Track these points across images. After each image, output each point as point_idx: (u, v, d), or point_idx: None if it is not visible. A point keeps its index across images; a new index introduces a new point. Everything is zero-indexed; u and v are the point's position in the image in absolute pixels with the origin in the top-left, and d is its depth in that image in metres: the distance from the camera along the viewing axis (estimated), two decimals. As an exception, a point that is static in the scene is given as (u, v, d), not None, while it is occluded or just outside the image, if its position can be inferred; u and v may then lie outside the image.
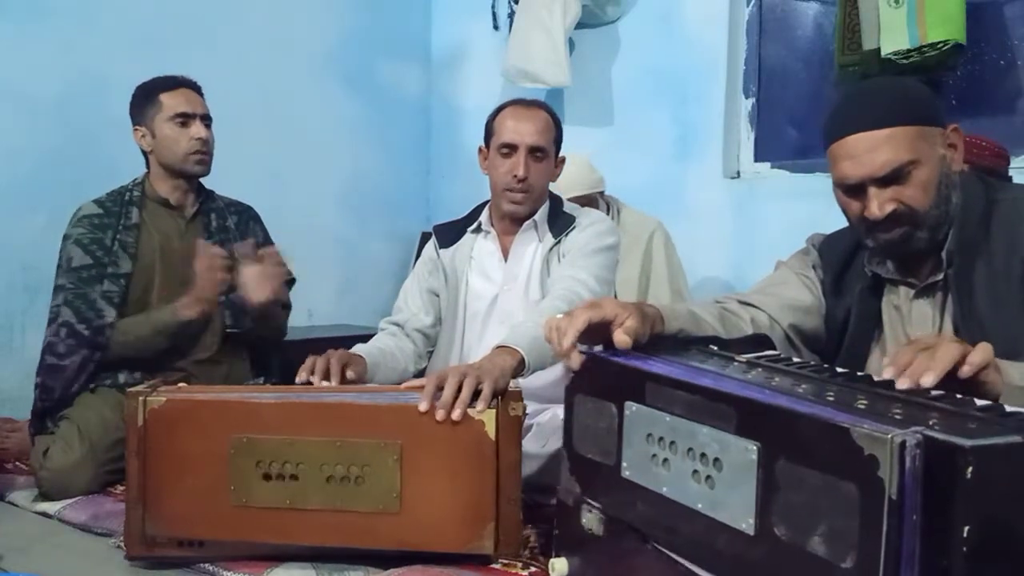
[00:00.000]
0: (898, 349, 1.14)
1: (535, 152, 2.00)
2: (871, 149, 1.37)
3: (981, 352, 1.09)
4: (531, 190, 2.01)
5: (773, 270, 1.67)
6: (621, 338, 1.27)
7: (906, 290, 1.49)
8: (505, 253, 2.09)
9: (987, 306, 1.35)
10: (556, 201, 2.12)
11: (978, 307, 1.36)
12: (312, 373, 1.69)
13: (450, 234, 2.14)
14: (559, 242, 2.03)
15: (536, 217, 2.06)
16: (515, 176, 1.99)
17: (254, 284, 2.11)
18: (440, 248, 2.13)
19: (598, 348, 1.31)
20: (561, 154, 2.11)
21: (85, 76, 2.81)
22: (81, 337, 2.09)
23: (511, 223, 2.08)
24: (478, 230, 2.12)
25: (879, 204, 1.38)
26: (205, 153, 2.24)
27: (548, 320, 1.33)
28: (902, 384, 1.06)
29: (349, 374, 1.74)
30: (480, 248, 2.10)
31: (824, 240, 1.63)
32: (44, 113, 2.75)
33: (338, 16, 3.66)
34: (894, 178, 1.37)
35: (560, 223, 2.05)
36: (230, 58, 3.16)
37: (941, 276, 1.43)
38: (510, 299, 2.05)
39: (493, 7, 3.80)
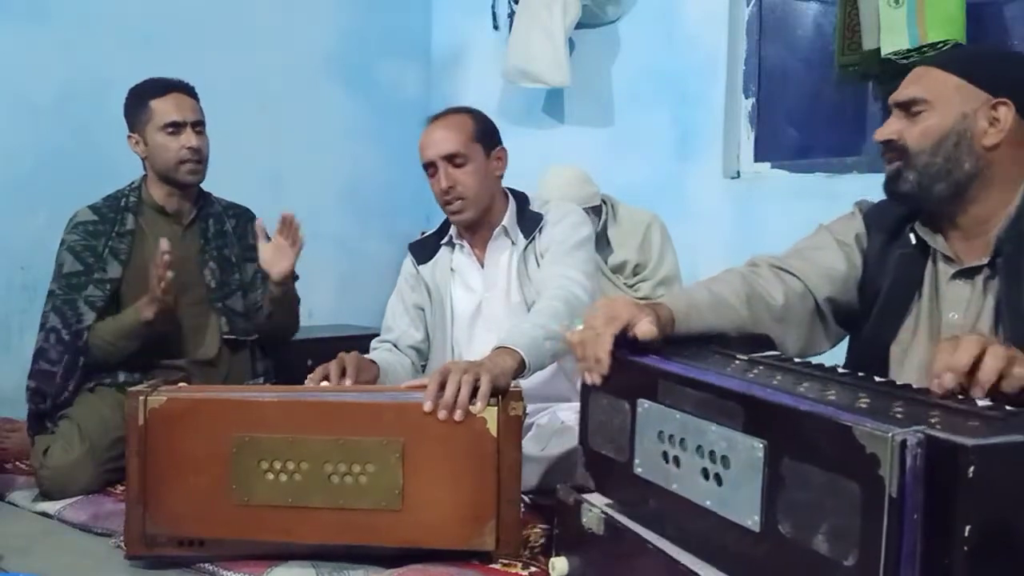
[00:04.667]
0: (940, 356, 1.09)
1: (452, 160, 1.96)
2: (913, 79, 1.44)
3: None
4: (465, 196, 1.97)
5: (814, 232, 1.62)
6: (646, 327, 1.27)
7: (946, 267, 1.46)
8: (481, 262, 2.08)
9: None
10: (522, 200, 2.09)
11: None
12: (321, 382, 1.69)
13: (425, 250, 2.13)
14: (532, 241, 2.02)
15: (505, 222, 2.04)
16: (441, 190, 1.97)
17: (272, 259, 2.10)
18: (418, 264, 2.13)
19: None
20: (501, 146, 2.05)
21: (85, 76, 2.81)
22: (65, 343, 2.08)
23: (478, 233, 2.07)
24: (451, 243, 2.11)
25: (884, 128, 1.45)
26: (197, 162, 2.19)
27: (571, 340, 1.34)
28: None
29: (354, 377, 1.73)
30: (458, 260, 2.10)
31: (873, 206, 1.59)
32: (44, 113, 2.75)
33: (338, 16, 3.66)
34: (907, 109, 1.42)
35: (529, 223, 2.04)
36: (230, 58, 3.16)
37: (986, 260, 1.40)
38: (493, 305, 2.05)
39: (493, 7, 3.80)
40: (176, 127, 2.16)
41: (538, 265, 2.00)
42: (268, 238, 2.15)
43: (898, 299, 1.47)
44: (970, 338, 1.07)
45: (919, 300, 1.47)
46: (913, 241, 1.48)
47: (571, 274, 1.90)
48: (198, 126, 2.20)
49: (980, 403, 1.00)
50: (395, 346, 2.10)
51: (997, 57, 1.47)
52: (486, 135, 2.02)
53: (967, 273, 1.42)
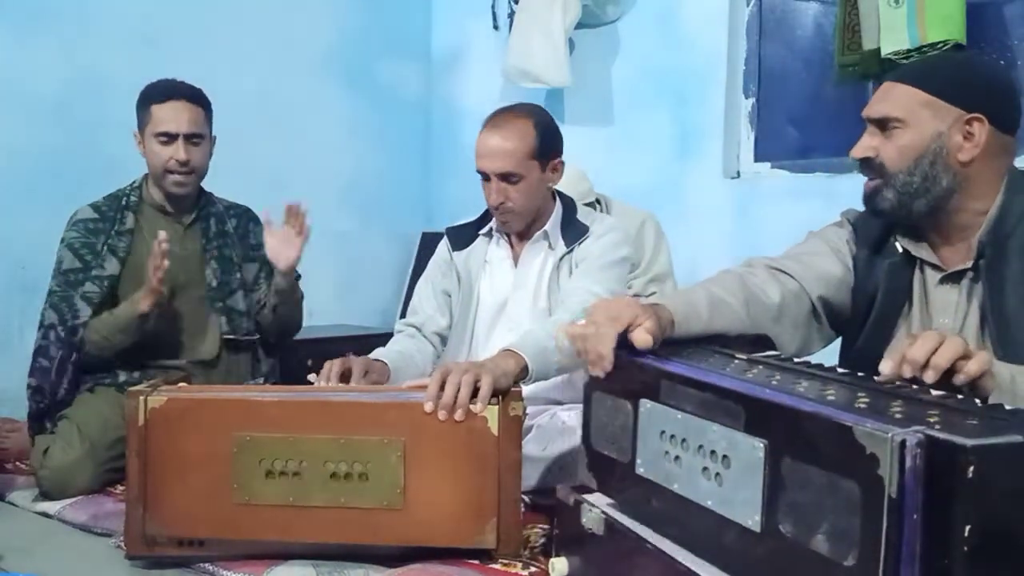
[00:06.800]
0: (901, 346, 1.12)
1: (507, 178, 1.92)
2: (881, 96, 1.45)
3: (978, 363, 1.08)
4: (512, 210, 1.95)
5: (805, 239, 1.63)
6: (642, 336, 1.27)
7: (933, 273, 1.47)
8: (516, 259, 2.07)
9: (1017, 304, 1.33)
10: (569, 207, 2.06)
11: (1007, 303, 1.34)
12: (329, 379, 1.69)
13: (463, 237, 2.11)
14: (571, 251, 1.99)
15: (547, 226, 2.02)
16: (492, 204, 1.96)
17: (279, 249, 2.11)
18: (453, 251, 2.11)
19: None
20: (559, 157, 2.00)
21: (85, 76, 2.81)
22: (60, 339, 2.09)
23: (518, 232, 2.05)
24: (490, 234, 2.09)
25: (860, 146, 1.47)
26: (185, 174, 2.16)
27: (572, 333, 1.32)
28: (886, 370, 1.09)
29: (359, 380, 1.73)
30: (493, 253, 2.08)
31: (859, 216, 1.60)
32: (44, 113, 2.75)
33: (338, 16, 3.65)
34: (881, 128, 1.44)
35: (573, 232, 2.00)
36: (230, 58, 3.16)
37: (970, 264, 1.41)
38: (518, 306, 2.03)
39: (493, 7, 3.80)
40: (168, 137, 2.13)
41: (571, 275, 1.98)
42: (259, 247, 2.14)
43: (889, 310, 1.49)
44: (929, 333, 1.10)
45: (910, 308, 1.48)
46: (899, 250, 1.50)
47: (597, 291, 1.87)
48: (194, 138, 2.16)
49: (979, 403, 1.00)
50: (419, 331, 2.09)
51: (966, 71, 1.46)
52: (545, 148, 1.94)
53: (952, 278, 1.45)
